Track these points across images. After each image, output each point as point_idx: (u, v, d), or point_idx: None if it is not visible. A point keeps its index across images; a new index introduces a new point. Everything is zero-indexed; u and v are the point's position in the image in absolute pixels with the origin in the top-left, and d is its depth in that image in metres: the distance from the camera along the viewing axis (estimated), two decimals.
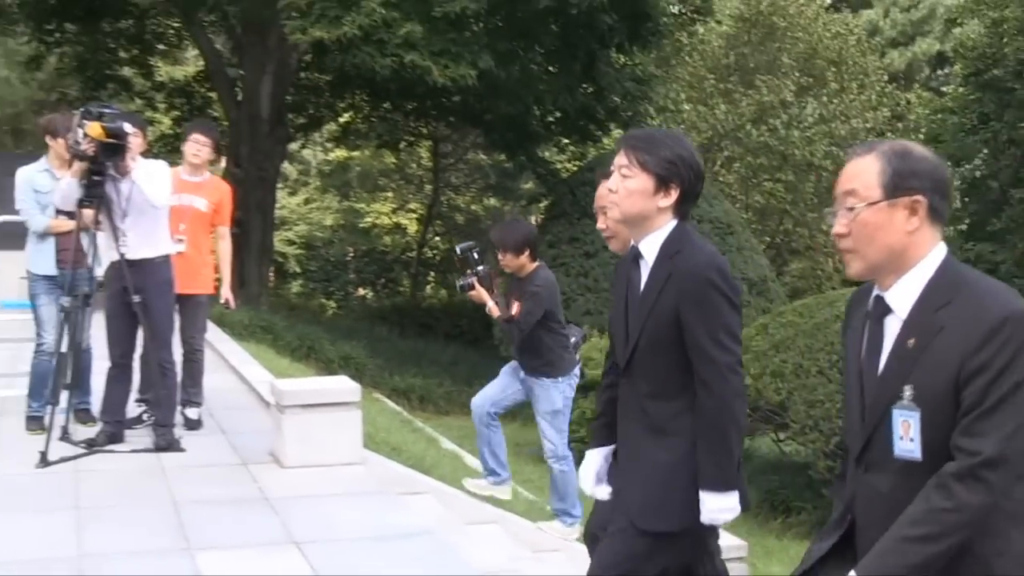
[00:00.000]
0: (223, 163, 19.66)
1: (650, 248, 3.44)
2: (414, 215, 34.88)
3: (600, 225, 4.24)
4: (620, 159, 3.43)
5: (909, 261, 2.63)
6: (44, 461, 6.79)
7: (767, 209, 24.39)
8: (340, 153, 33.18)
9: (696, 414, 3.36)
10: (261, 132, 19.28)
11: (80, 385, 7.72)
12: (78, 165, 7.01)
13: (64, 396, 7.23)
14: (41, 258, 7.65)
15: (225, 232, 8.27)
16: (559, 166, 25.16)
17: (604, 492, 3.73)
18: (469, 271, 7.53)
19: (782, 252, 24.93)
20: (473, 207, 34.33)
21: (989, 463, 2.42)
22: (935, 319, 2.55)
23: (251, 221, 19.58)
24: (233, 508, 6.08)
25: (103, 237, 7.22)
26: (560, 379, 7.26)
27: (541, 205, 26.60)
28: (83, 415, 7.74)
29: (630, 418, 3.54)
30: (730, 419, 3.34)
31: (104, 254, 7.29)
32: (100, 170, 6.95)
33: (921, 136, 25.53)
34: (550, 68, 19.20)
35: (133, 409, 7.75)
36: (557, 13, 16.30)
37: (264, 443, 7.39)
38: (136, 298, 7.06)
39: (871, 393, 2.68)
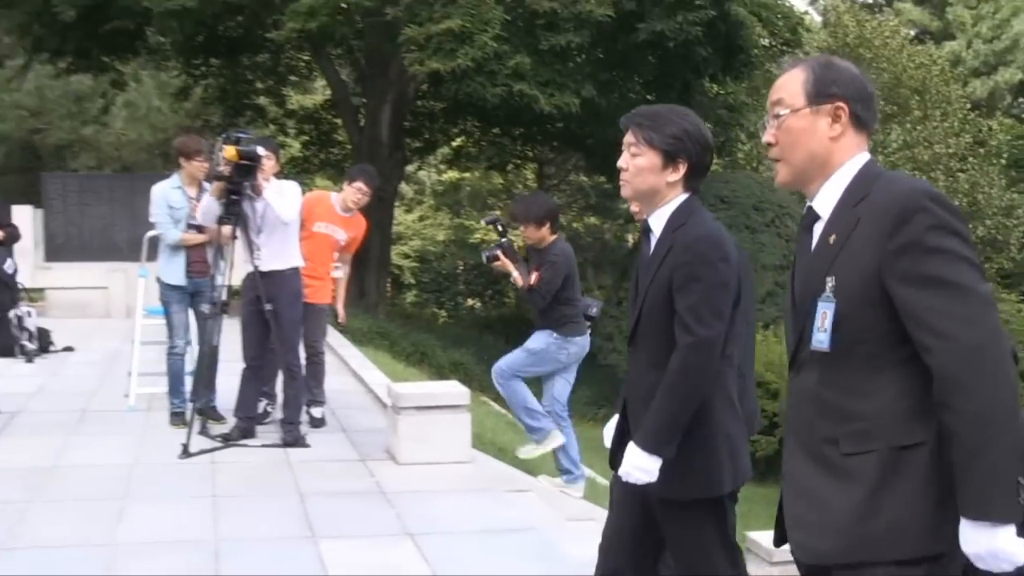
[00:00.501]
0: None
1: (658, 221, 3.33)
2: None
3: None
4: (628, 137, 3.32)
5: (832, 167, 2.47)
6: (186, 453, 6.96)
7: None
8: (452, 174, 33.39)
9: (665, 373, 3.20)
10: (381, 155, 19.47)
11: (209, 384, 7.88)
12: (216, 184, 7.18)
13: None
14: (172, 269, 7.78)
15: (348, 259, 8.42)
16: None
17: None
18: (494, 242, 7.58)
19: None
20: (575, 225, 34.29)
21: (980, 348, 2.19)
22: (853, 213, 2.39)
23: (371, 237, 19.73)
24: (352, 500, 6.16)
25: (240, 250, 7.39)
26: (556, 336, 7.22)
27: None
28: (211, 412, 7.88)
29: (633, 386, 3.40)
30: (683, 390, 3.15)
31: (240, 266, 7.46)
32: (237, 189, 7.10)
33: (1003, 160, 24.94)
34: (647, 96, 19.12)
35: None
36: (655, 46, 16.25)
37: (381, 441, 7.47)
38: (268, 307, 7.20)
39: (799, 294, 2.51)
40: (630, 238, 21.22)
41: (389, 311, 22.02)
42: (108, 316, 15.24)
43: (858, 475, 2.32)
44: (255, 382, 7.60)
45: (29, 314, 11.56)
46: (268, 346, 7.50)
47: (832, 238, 2.42)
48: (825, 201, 2.48)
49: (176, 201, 7.74)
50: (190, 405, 7.47)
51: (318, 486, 6.40)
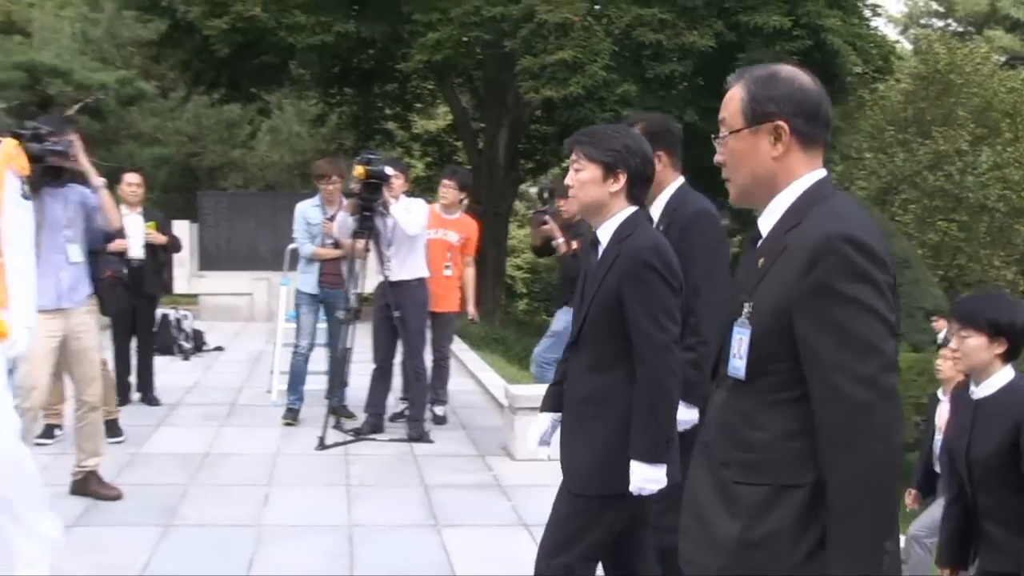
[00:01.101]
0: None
1: (606, 233, 3.25)
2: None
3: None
4: (572, 156, 3.28)
5: (778, 186, 2.20)
6: (322, 445, 7.09)
7: (941, 246, 23.24)
8: None
9: (636, 387, 3.13)
10: (498, 175, 19.57)
11: (341, 384, 7.98)
12: (350, 201, 7.33)
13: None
14: (306, 279, 7.90)
15: (471, 261, 8.46)
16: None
17: (544, 452, 3.61)
18: (542, 208, 7.61)
19: (955, 285, 23.73)
20: None
21: (870, 404, 2.00)
22: (783, 240, 2.14)
23: (488, 250, 19.87)
24: (472, 492, 6.21)
25: (372, 261, 7.51)
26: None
27: (736, 239, 26.16)
28: (342, 410, 7.95)
29: (573, 389, 3.33)
30: (662, 394, 3.10)
31: (372, 276, 7.58)
32: (369, 206, 7.23)
33: None
34: None
35: (394, 404, 7.98)
36: None
37: (497, 438, 7.51)
38: (396, 314, 7.30)
39: (727, 313, 2.30)
40: None
41: (503, 318, 22.09)
42: (252, 320, 15.61)
43: (741, 504, 2.14)
44: (384, 382, 7.70)
45: (186, 317, 11.91)
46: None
47: (760, 261, 2.20)
48: (767, 221, 2.25)
49: (313, 218, 7.88)
50: (327, 402, 7.58)
51: (441, 478, 6.45)
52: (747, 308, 2.16)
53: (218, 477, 6.28)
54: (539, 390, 7.38)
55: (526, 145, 22.72)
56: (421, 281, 7.56)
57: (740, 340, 2.17)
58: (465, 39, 15.89)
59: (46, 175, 5.33)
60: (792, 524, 2.07)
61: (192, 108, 24.72)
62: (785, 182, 2.20)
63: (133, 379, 8.50)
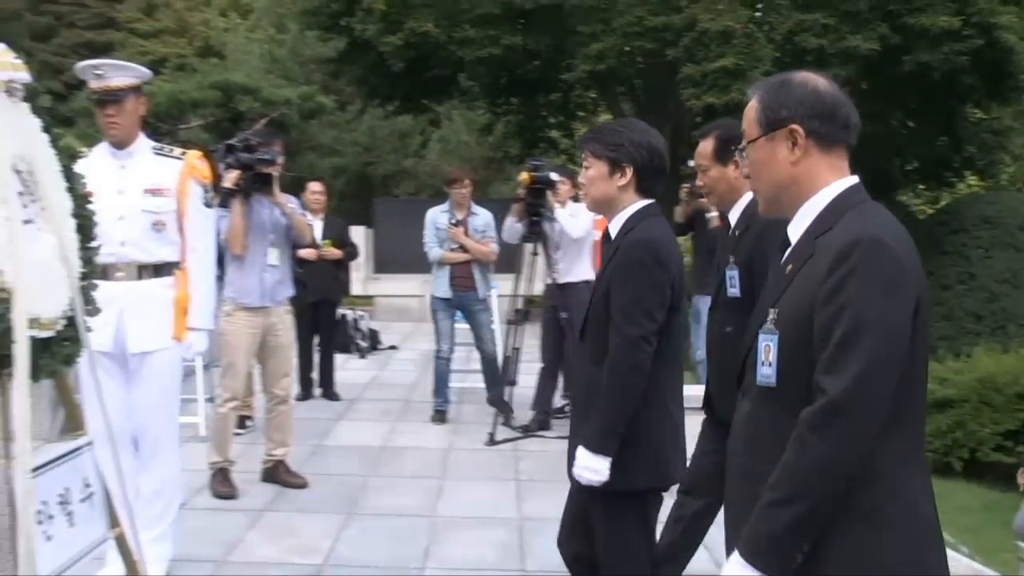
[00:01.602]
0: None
1: (615, 227, 3.20)
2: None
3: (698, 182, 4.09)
4: (583, 155, 3.26)
5: (803, 192, 2.13)
6: (492, 441, 7.13)
7: None
8: None
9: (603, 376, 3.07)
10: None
11: (506, 382, 7.88)
12: (516, 206, 7.37)
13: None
14: (439, 283, 7.85)
15: None
16: (915, 208, 23.72)
17: None
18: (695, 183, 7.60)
19: None
20: None
21: (834, 407, 1.89)
22: (812, 246, 2.06)
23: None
24: None
25: (540, 264, 7.52)
26: None
27: None
28: (503, 406, 7.86)
29: (578, 379, 3.32)
30: (619, 387, 3.01)
31: (541, 279, 7.60)
32: (536, 211, 7.25)
33: None
34: (909, 123, 18.17)
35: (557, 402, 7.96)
36: (919, 76, 15.40)
37: None
38: (563, 315, 7.29)
39: (753, 319, 2.21)
40: None
41: None
42: (424, 320, 15.80)
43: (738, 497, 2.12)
44: (551, 381, 7.70)
45: (362, 317, 12.19)
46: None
47: (789, 268, 2.13)
48: (796, 228, 2.17)
49: (442, 223, 7.87)
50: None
51: None
52: (772, 314, 2.09)
53: (395, 469, 6.38)
54: (700, 391, 7.28)
55: (687, 151, 22.41)
56: (587, 283, 7.50)
57: (768, 347, 2.09)
58: (627, 49, 15.80)
59: (255, 182, 5.56)
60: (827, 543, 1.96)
61: (367, 120, 25.36)
62: (810, 187, 2.12)
63: (315, 375, 8.74)
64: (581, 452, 3.09)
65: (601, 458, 3.05)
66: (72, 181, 3.50)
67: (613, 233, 3.21)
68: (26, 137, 3.20)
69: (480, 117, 23.28)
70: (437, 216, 7.93)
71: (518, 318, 7.58)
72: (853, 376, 1.88)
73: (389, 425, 7.76)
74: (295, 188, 6.71)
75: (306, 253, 7.72)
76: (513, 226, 7.54)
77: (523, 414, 7.70)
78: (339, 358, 9.60)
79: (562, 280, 7.44)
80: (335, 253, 8.62)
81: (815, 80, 2.16)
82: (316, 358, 8.74)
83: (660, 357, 3.08)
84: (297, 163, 21.49)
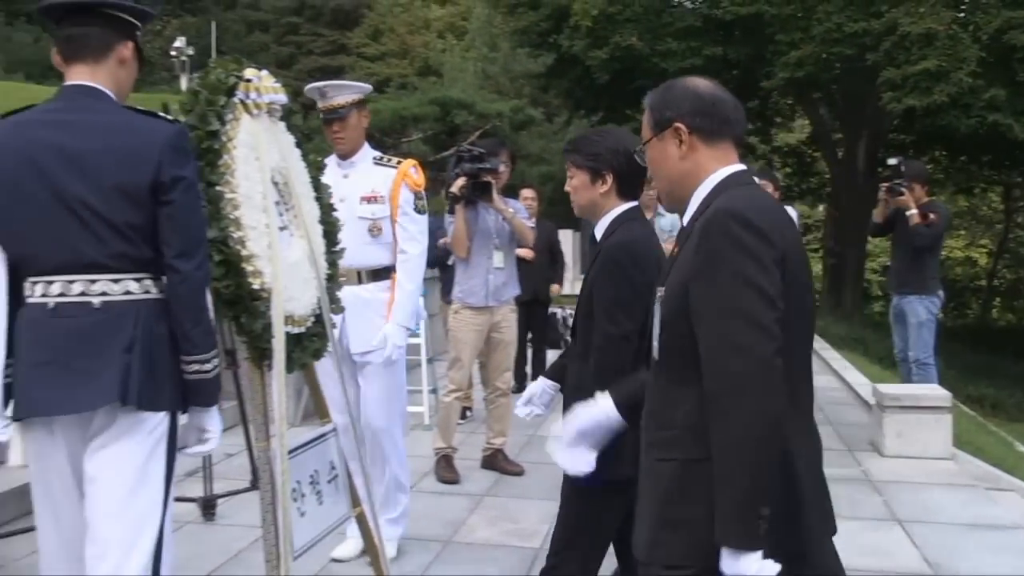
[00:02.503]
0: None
1: (600, 231, 3.10)
2: (984, 250, 32.10)
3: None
4: (567, 166, 3.16)
5: (693, 183, 2.14)
6: None
7: None
8: None
9: None
10: (856, 183, 18.61)
11: None
12: None
13: None
14: None
15: None
16: None
17: (523, 411, 3.34)
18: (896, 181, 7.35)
19: None
20: None
21: (726, 381, 1.89)
22: (692, 227, 2.08)
23: (847, 253, 19.01)
24: (843, 486, 5.81)
25: None
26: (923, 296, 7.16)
27: None
28: None
29: (569, 379, 3.11)
30: (601, 386, 2.76)
31: None
32: None
33: None
34: None
35: None
36: None
37: (864, 435, 7.06)
38: None
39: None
40: None
41: (862, 319, 20.99)
42: None
43: (661, 481, 2.06)
44: None
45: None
46: None
47: (676, 249, 2.16)
48: (688, 216, 2.18)
49: None
50: None
51: None
52: (660, 292, 2.14)
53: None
54: (910, 390, 6.93)
55: (884, 154, 21.43)
56: None
57: (656, 322, 2.15)
58: (826, 55, 15.24)
59: (476, 189, 5.62)
60: (699, 496, 1.96)
61: (573, 130, 25.49)
62: (698, 178, 2.15)
63: (529, 369, 8.79)
64: (554, 444, 2.99)
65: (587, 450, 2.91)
66: (319, 191, 3.64)
67: (598, 236, 3.15)
68: (283, 152, 3.35)
69: None
70: None
71: None
72: (721, 343, 1.90)
73: None
74: (510, 194, 6.77)
75: (522, 252, 7.78)
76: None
77: None
78: (551, 353, 9.64)
79: None
80: (528, 254, 8.66)
81: (695, 82, 2.21)
82: (529, 353, 8.79)
83: (640, 354, 2.90)
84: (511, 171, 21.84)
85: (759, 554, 1.86)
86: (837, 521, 5.01)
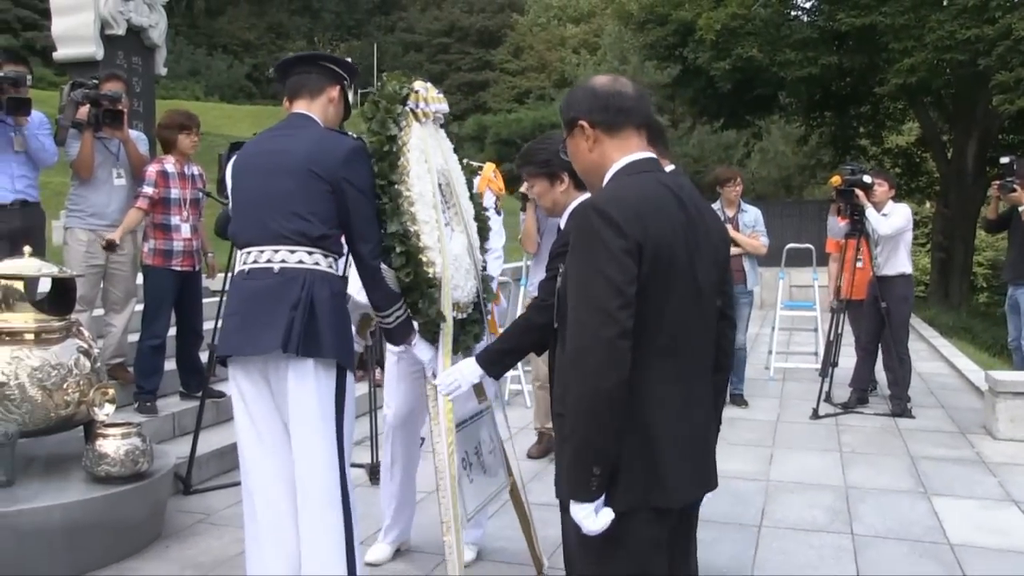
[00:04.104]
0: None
1: (563, 221, 3.08)
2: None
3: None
4: (526, 178, 3.21)
5: (601, 172, 2.14)
6: (815, 415, 6.75)
7: None
8: None
9: None
10: (965, 182, 17.62)
11: (833, 363, 7.25)
12: (833, 206, 7.04)
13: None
14: None
15: None
16: None
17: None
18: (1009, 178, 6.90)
19: None
20: None
21: (570, 353, 1.96)
22: None
23: (955, 248, 18.05)
24: (956, 466, 5.54)
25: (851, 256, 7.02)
26: None
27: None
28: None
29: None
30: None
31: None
32: (854, 211, 6.86)
33: None
34: None
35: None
36: None
37: (975, 418, 6.70)
38: (883, 304, 6.78)
39: None
40: None
41: (969, 309, 19.91)
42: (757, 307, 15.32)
43: (558, 432, 2.15)
44: (869, 362, 7.19)
45: None
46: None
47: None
48: None
49: None
50: (821, 379, 7.15)
51: (925, 451, 5.85)
52: (561, 268, 2.16)
53: (730, 438, 6.13)
54: (1020, 376, 6.52)
55: (994, 153, 20.24)
56: (903, 277, 6.94)
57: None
58: (938, 62, 14.46)
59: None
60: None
61: (696, 135, 25.05)
62: (604, 166, 2.14)
63: None
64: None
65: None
66: (472, 191, 3.68)
67: (562, 225, 3.11)
68: (445, 155, 3.41)
69: (796, 129, 22.30)
70: None
71: (839, 307, 7.12)
72: (575, 322, 1.93)
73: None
74: None
75: None
76: (835, 224, 7.12)
77: (843, 392, 7.21)
78: None
79: (880, 273, 6.91)
80: None
81: (594, 81, 2.20)
82: None
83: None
84: None
85: (590, 505, 1.91)
86: (953, 500, 4.81)
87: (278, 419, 2.91)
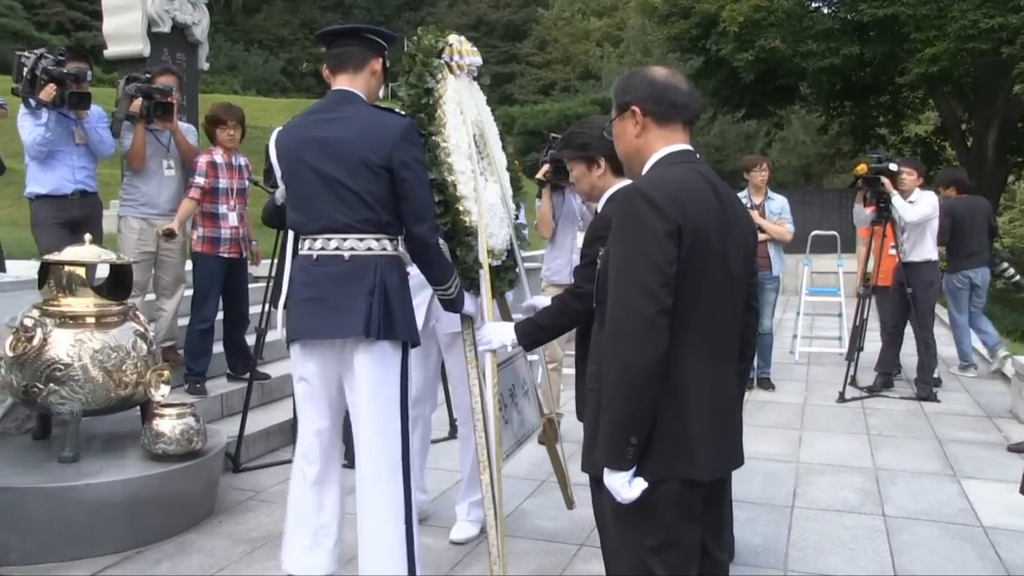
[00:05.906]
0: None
1: (600, 205, 3.05)
2: None
3: None
4: (566, 163, 3.15)
5: (643, 158, 2.17)
6: (841, 398, 6.69)
7: None
8: None
9: None
10: (985, 170, 17.33)
11: (859, 348, 7.19)
12: (859, 192, 6.95)
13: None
14: None
15: None
16: None
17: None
18: None
19: None
20: None
21: (609, 329, 1.97)
22: None
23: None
24: (984, 449, 5.47)
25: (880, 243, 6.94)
26: None
27: None
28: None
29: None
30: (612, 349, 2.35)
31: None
32: (880, 199, 6.77)
33: None
34: None
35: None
36: None
37: (1002, 402, 6.61)
38: (909, 290, 6.70)
39: None
40: None
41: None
42: (781, 293, 15.17)
43: (590, 407, 2.12)
44: (894, 346, 7.11)
45: None
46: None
47: None
48: None
49: None
50: (847, 364, 7.08)
51: (952, 434, 5.79)
52: (602, 251, 2.18)
53: (759, 420, 6.11)
54: None
55: (1015, 142, 19.91)
56: (928, 263, 6.86)
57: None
58: (960, 51, 14.21)
59: (557, 173, 5.27)
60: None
61: (718, 125, 24.85)
62: (647, 154, 2.16)
63: None
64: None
65: None
66: (504, 143, 3.74)
67: (599, 210, 3.08)
68: (478, 107, 3.47)
69: (817, 119, 22.06)
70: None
71: (866, 293, 7.04)
72: (616, 299, 1.95)
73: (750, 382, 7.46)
74: None
75: None
76: (861, 211, 7.04)
77: (867, 376, 7.15)
78: None
79: (906, 259, 6.82)
80: None
81: (654, 70, 2.21)
82: None
83: None
84: None
85: (626, 474, 1.95)
86: (983, 483, 4.74)
87: (340, 400, 2.97)
